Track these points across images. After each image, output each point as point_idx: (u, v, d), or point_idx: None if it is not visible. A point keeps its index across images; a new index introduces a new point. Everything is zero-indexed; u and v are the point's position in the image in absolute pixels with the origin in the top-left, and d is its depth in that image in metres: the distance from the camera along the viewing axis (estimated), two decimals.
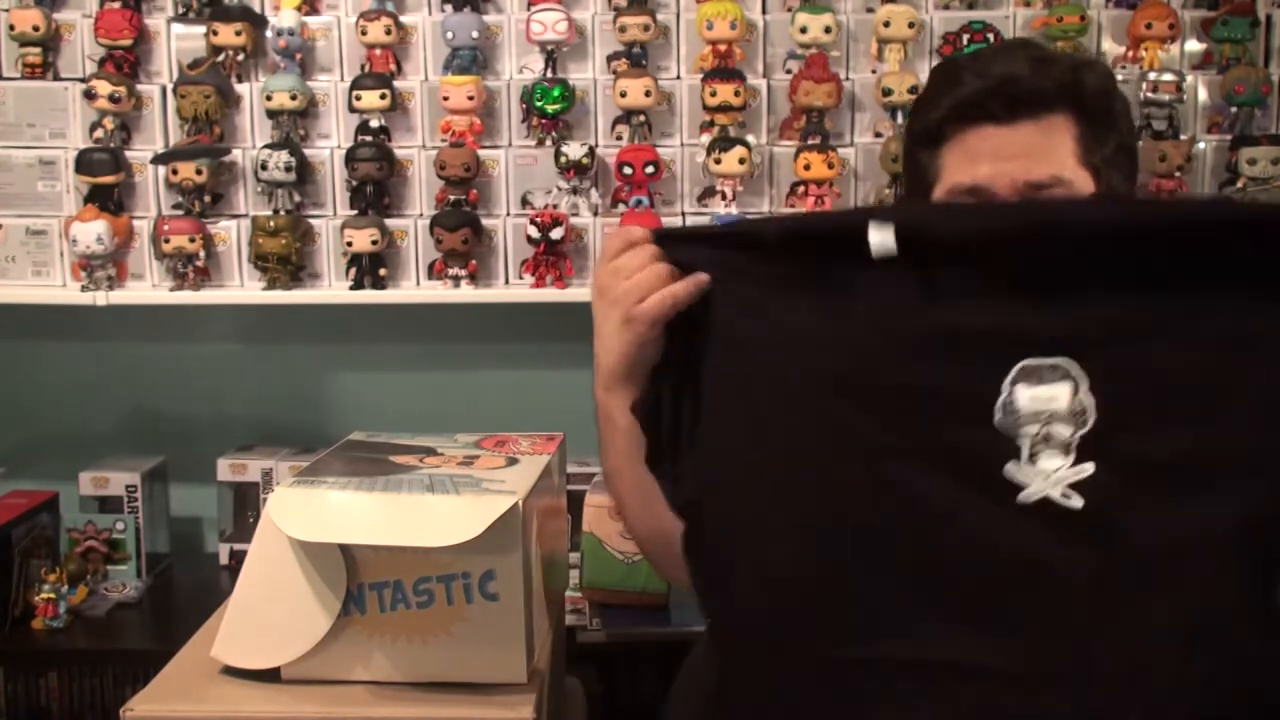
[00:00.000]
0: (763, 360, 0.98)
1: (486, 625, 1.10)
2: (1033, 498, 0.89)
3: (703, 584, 1.04)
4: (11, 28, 1.96)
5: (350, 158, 1.93)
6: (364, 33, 1.96)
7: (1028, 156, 1.12)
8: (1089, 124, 1.14)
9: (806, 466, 0.95)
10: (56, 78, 2.00)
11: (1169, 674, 0.88)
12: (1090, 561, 0.89)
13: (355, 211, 1.96)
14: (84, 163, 1.93)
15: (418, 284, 1.97)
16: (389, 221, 1.95)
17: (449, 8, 2.01)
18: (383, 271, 1.94)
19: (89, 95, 1.92)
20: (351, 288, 1.95)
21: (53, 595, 1.83)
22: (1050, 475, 0.89)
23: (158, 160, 1.95)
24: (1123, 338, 0.89)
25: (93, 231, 1.89)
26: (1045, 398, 0.89)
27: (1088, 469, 0.88)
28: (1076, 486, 0.88)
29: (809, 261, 0.96)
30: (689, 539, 1.04)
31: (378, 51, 1.97)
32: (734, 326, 1.00)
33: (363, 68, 1.98)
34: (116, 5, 1.97)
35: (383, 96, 1.94)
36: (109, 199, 1.94)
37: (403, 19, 1.99)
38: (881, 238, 0.93)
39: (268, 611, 1.14)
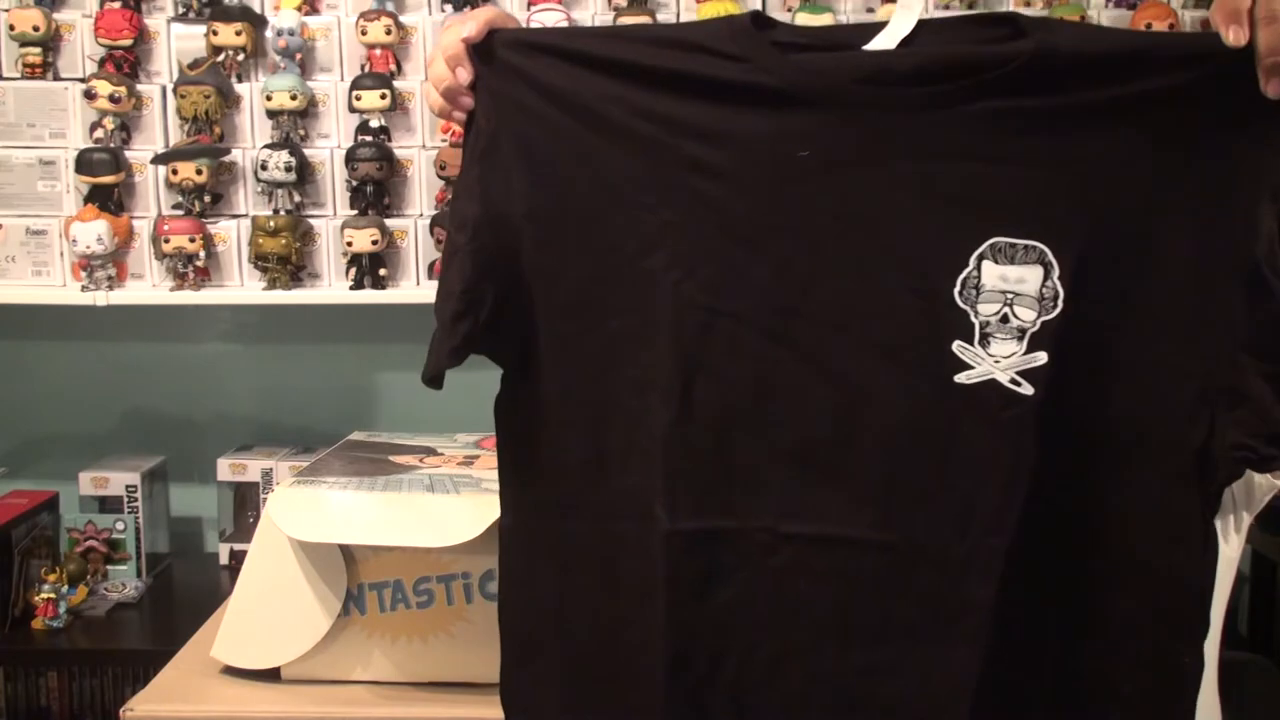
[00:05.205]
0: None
1: (486, 625, 1.10)
2: (974, 379, 0.86)
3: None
4: (11, 28, 1.96)
5: (350, 158, 1.93)
6: (364, 33, 1.95)
7: None
8: None
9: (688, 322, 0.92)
10: (56, 78, 2.00)
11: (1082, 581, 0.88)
12: (1026, 451, 0.86)
13: (355, 211, 1.96)
14: (84, 163, 1.92)
15: (418, 284, 1.97)
16: (389, 221, 1.95)
17: (449, 8, 2.01)
18: (383, 271, 1.94)
19: (89, 95, 1.92)
20: (351, 288, 1.95)
21: (53, 595, 1.83)
22: (1001, 360, 0.86)
23: (158, 160, 1.95)
24: (1097, 229, 0.85)
25: (93, 231, 1.89)
26: (1015, 278, 0.85)
27: (1041, 358, 0.85)
28: (1025, 375, 0.86)
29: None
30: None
31: (378, 51, 1.97)
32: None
33: (363, 68, 1.98)
34: (116, 5, 1.97)
35: (383, 96, 1.94)
36: (109, 199, 1.94)
37: (403, 19, 1.99)
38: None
39: (268, 611, 1.14)
